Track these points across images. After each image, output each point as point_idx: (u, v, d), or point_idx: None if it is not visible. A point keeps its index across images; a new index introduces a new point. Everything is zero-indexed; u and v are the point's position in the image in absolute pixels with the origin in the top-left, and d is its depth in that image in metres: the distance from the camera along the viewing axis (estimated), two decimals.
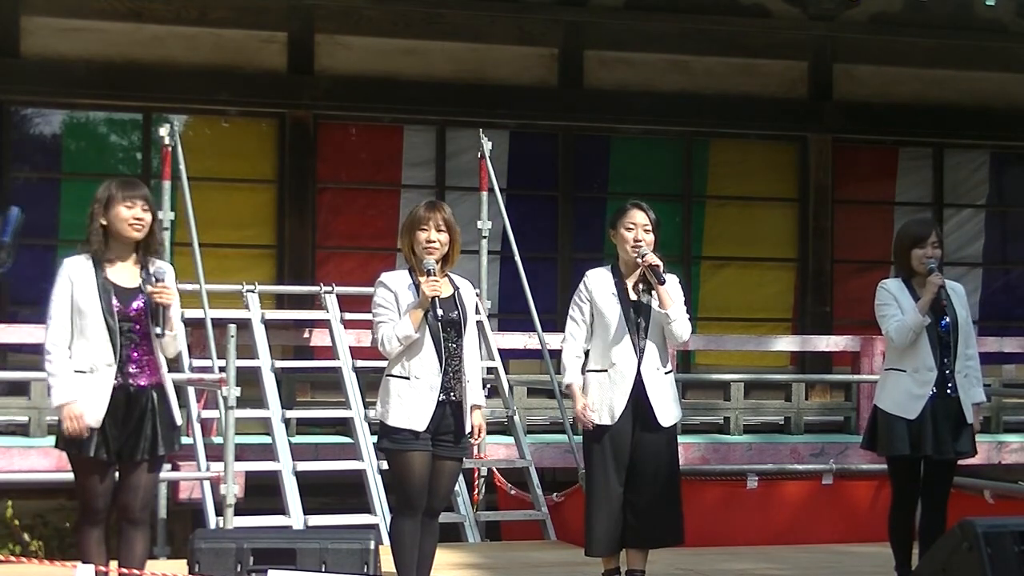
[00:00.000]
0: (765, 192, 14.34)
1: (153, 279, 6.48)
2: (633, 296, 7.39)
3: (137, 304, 6.48)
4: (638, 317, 7.35)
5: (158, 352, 6.54)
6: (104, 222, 6.52)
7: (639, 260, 7.34)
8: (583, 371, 7.46)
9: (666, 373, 7.42)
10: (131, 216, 6.49)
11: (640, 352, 7.34)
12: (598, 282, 7.44)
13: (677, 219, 13.99)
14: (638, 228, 7.39)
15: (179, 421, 6.63)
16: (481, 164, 11.92)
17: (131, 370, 6.48)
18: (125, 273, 6.54)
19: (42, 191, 12.77)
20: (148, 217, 6.54)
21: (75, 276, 6.49)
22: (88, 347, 6.43)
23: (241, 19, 12.92)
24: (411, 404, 6.84)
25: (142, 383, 6.50)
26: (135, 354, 6.49)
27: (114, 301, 6.45)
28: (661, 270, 7.30)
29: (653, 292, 7.36)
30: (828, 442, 12.18)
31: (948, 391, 7.73)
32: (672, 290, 7.40)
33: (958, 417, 7.74)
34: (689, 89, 14.00)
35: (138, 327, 6.49)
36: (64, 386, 6.42)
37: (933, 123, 14.52)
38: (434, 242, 6.90)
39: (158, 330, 6.44)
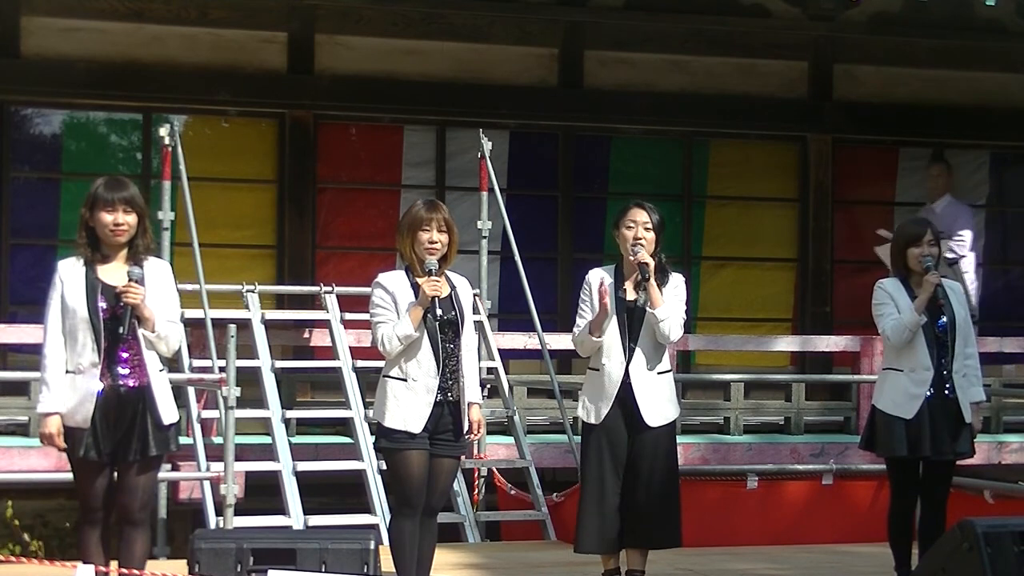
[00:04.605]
0: (765, 192, 14.33)
1: (128, 278, 6.43)
2: (629, 296, 7.39)
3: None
4: (630, 318, 7.35)
5: (151, 352, 6.52)
6: (91, 224, 6.51)
7: (631, 257, 7.35)
8: (586, 368, 7.50)
9: (660, 374, 7.41)
10: (111, 222, 6.46)
11: (629, 353, 7.33)
12: (597, 281, 7.46)
13: (677, 219, 13.97)
14: (638, 226, 7.40)
15: (172, 420, 6.58)
16: (481, 164, 11.92)
17: (120, 371, 6.45)
18: (116, 272, 6.50)
19: (42, 191, 12.76)
20: (131, 219, 6.50)
21: (65, 277, 6.48)
22: (75, 347, 6.41)
23: (241, 19, 12.90)
24: (408, 406, 6.84)
25: (132, 384, 6.46)
26: (124, 355, 6.46)
27: (100, 301, 6.42)
28: (650, 269, 7.29)
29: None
30: (828, 442, 12.16)
31: (946, 391, 7.73)
32: (671, 292, 7.41)
33: (956, 417, 7.75)
34: (689, 89, 13.98)
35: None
36: (51, 397, 6.41)
37: (933, 123, 14.49)
38: (436, 243, 6.91)
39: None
